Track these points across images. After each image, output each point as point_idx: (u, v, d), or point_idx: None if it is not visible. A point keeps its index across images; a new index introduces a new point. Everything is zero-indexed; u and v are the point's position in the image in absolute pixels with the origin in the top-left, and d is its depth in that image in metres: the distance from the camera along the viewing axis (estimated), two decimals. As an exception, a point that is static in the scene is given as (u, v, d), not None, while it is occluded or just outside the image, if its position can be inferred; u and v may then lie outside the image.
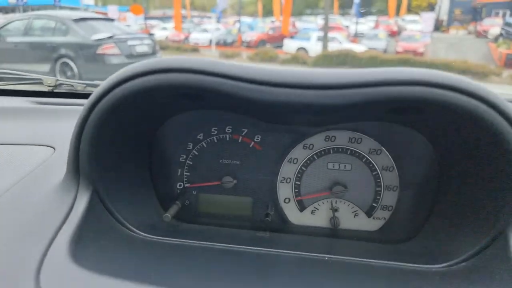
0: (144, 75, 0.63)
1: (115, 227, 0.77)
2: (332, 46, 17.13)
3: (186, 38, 22.95)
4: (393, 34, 23.22)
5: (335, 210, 0.98)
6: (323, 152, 0.96)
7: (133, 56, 8.24)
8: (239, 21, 25.16)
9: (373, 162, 0.94)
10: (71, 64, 7.97)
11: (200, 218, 1.01)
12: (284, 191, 0.99)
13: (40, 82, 1.44)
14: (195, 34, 22.92)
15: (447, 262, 0.73)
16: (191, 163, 1.00)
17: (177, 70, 0.62)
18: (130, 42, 8.41)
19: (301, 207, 0.99)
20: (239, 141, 0.98)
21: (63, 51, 8.29)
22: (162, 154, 0.97)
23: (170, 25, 26.63)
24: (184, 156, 0.99)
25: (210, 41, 20.58)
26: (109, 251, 0.70)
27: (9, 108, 1.25)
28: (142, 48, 8.76)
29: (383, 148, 0.93)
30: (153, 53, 9.11)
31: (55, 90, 1.43)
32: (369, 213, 0.97)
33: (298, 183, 0.98)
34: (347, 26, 25.08)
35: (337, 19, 28.04)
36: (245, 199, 1.00)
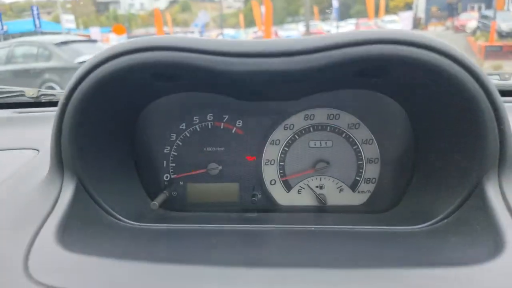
0: (115, 57, 0.65)
1: (102, 216, 0.77)
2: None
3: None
4: (374, 35, 23.51)
5: (320, 187, 1.00)
6: (303, 131, 0.98)
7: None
8: (222, 33, 25.42)
9: (353, 137, 0.97)
10: (57, 88, 7.95)
11: (189, 207, 1.02)
12: (269, 173, 1.01)
13: (22, 94, 1.45)
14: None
15: (429, 222, 0.75)
16: (175, 153, 1.01)
17: (145, 49, 0.64)
18: (114, 62, 8.40)
19: (287, 187, 1.01)
20: (221, 127, 0.99)
21: (47, 76, 8.27)
22: (145, 146, 0.98)
23: (154, 43, 26.58)
24: (168, 148, 1.01)
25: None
26: (97, 237, 0.70)
27: None
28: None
29: (361, 122, 0.96)
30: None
31: (37, 101, 1.44)
32: (354, 187, 0.99)
33: (282, 163, 1.00)
34: (328, 31, 25.51)
35: (318, 24, 28.49)
36: (232, 184, 1.02)
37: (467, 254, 0.60)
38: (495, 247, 0.57)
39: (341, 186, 0.99)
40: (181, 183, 1.02)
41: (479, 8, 26.31)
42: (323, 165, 0.97)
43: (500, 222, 0.60)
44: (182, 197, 1.02)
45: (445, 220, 0.74)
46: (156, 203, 0.89)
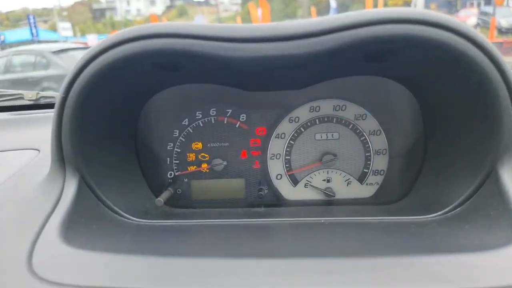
0: (114, 46, 0.62)
1: (106, 213, 0.75)
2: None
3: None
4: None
5: (327, 180, 0.98)
6: (309, 124, 0.96)
7: (116, 81, 8.22)
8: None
9: (360, 128, 0.95)
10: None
11: (194, 204, 1.00)
12: (275, 167, 0.99)
13: (21, 97, 1.43)
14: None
15: (442, 211, 0.73)
16: (179, 150, 0.99)
17: (146, 37, 0.61)
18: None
19: (294, 181, 0.99)
20: (225, 122, 0.98)
21: (45, 84, 8.24)
22: (148, 143, 0.96)
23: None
24: (172, 144, 0.99)
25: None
26: (101, 234, 0.68)
27: None
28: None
29: (368, 113, 0.94)
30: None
31: (36, 104, 1.42)
32: (362, 179, 0.97)
33: (288, 157, 0.98)
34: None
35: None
36: (237, 180, 1.00)
37: (483, 240, 0.58)
38: None
39: (348, 179, 0.97)
40: (185, 180, 1.00)
41: (478, 5, 26.33)
42: (330, 158, 0.95)
43: None
44: (187, 194, 1.00)
45: (458, 209, 0.72)
46: (161, 199, 0.87)
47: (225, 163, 0.98)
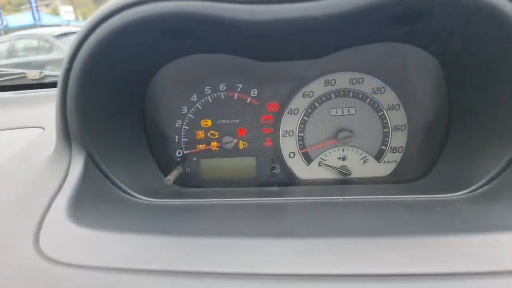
0: (120, 11, 0.57)
1: (114, 192, 0.72)
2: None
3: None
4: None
5: (343, 158, 0.94)
6: (324, 98, 0.92)
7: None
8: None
9: (378, 102, 0.90)
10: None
11: (204, 183, 0.97)
12: (288, 145, 0.95)
13: (24, 76, 1.39)
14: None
15: (468, 189, 0.69)
16: (187, 127, 0.95)
17: None
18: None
19: (307, 160, 0.95)
20: (235, 98, 0.93)
21: (49, 68, 8.19)
22: (156, 120, 0.92)
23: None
24: (180, 121, 0.95)
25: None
26: (110, 212, 0.65)
27: None
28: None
29: (387, 86, 0.89)
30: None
31: (40, 82, 1.38)
32: (379, 157, 0.93)
33: (302, 134, 0.94)
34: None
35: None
36: (248, 158, 0.96)
37: None
38: None
39: (365, 156, 0.93)
40: (194, 158, 0.97)
41: None
42: (346, 135, 0.91)
43: None
44: (196, 173, 0.97)
45: (486, 187, 0.67)
46: (170, 178, 0.84)
47: (235, 140, 0.94)
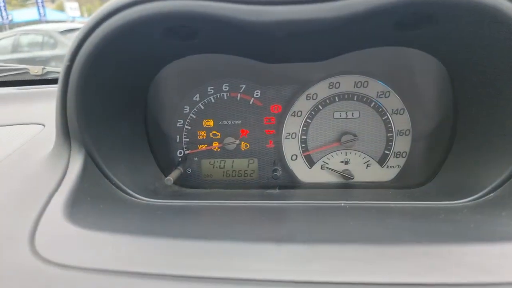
0: (123, 9, 0.56)
1: (113, 192, 0.71)
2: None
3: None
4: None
5: (345, 162, 0.93)
6: (328, 101, 0.90)
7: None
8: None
9: (382, 106, 0.89)
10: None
11: (204, 184, 0.96)
12: (290, 147, 0.94)
13: (26, 72, 1.38)
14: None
15: (473, 196, 0.68)
16: (189, 127, 0.94)
17: None
18: (120, 48, 8.32)
19: (310, 162, 0.94)
20: (238, 98, 0.92)
21: (53, 64, 8.20)
22: (157, 119, 0.92)
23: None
24: (181, 121, 0.94)
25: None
26: (108, 213, 0.64)
27: None
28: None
29: (392, 90, 0.88)
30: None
31: (42, 79, 1.37)
32: (382, 161, 0.92)
33: (305, 137, 0.93)
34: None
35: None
36: (250, 160, 0.95)
37: None
38: None
39: (368, 161, 0.92)
40: (195, 159, 0.96)
41: None
42: (349, 138, 0.90)
43: None
44: (197, 174, 0.96)
45: (491, 195, 0.66)
46: (171, 178, 0.83)
47: (237, 142, 0.93)
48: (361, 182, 0.93)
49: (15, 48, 8.91)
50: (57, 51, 8.22)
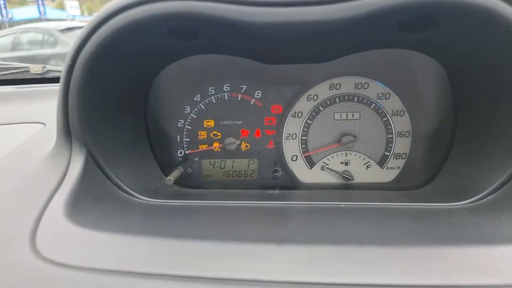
0: (126, 9, 0.56)
1: (113, 191, 0.71)
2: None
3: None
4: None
5: (345, 163, 0.93)
6: (328, 102, 0.91)
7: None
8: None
9: (382, 108, 0.89)
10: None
11: (205, 184, 0.96)
12: (291, 148, 0.94)
13: (27, 70, 1.38)
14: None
15: (473, 198, 0.68)
16: (190, 127, 0.94)
17: None
18: (120, 48, 8.30)
19: (310, 163, 0.94)
20: (239, 99, 0.92)
21: (53, 62, 8.19)
22: (158, 119, 0.92)
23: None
24: (182, 121, 0.94)
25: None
26: (109, 213, 0.64)
27: None
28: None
29: (392, 92, 0.88)
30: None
31: (43, 77, 1.38)
32: (382, 163, 0.92)
33: (305, 138, 0.93)
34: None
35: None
36: (250, 161, 0.95)
37: None
38: None
39: (368, 162, 0.92)
40: (196, 159, 0.96)
41: None
42: (349, 139, 0.90)
43: None
44: (197, 174, 0.96)
45: (490, 197, 0.66)
46: (171, 178, 0.83)
47: (238, 142, 0.94)
48: (361, 183, 0.93)
49: (15, 46, 8.89)
50: (57, 50, 8.20)
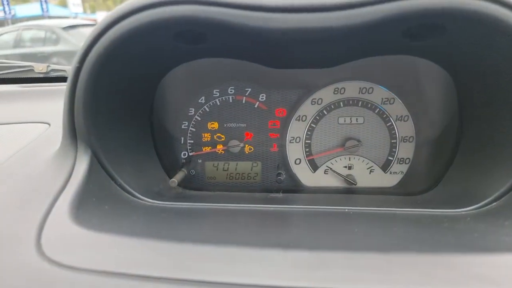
0: (135, 12, 0.57)
1: (118, 193, 0.72)
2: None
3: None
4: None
5: (349, 167, 0.93)
6: (332, 106, 0.91)
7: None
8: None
9: (387, 113, 0.89)
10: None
11: (208, 186, 0.96)
12: (294, 151, 0.94)
13: (31, 69, 1.38)
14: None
15: (477, 204, 0.68)
16: (194, 129, 0.94)
17: (170, 3, 0.55)
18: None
19: (313, 167, 0.94)
20: (243, 102, 0.92)
21: (55, 60, 8.19)
22: (163, 121, 0.92)
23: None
24: (186, 123, 0.94)
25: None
26: (114, 214, 0.64)
27: (1, 91, 1.20)
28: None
29: (396, 97, 0.88)
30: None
31: (47, 76, 1.38)
32: (385, 167, 0.92)
33: (309, 141, 0.93)
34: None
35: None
36: (254, 163, 0.95)
37: None
38: None
39: (371, 166, 0.92)
40: (199, 161, 0.96)
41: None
42: (353, 144, 0.90)
43: None
44: (200, 176, 0.96)
45: (494, 204, 0.66)
46: (175, 180, 0.83)
47: (242, 144, 0.94)
48: (364, 187, 0.93)
49: (17, 43, 8.89)
50: (59, 47, 8.20)
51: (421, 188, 0.87)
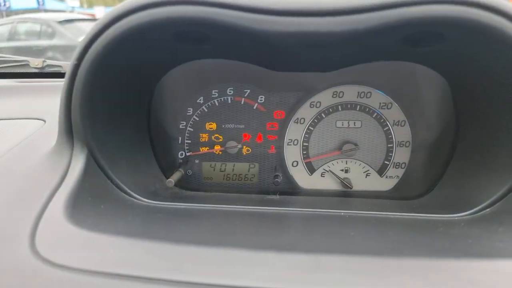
0: (134, 11, 0.56)
1: (114, 192, 0.71)
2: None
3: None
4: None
5: (345, 171, 0.93)
6: (331, 110, 0.91)
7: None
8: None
9: (384, 117, 0.90)
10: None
11: (205, 187, 0.96)
12: (292, 153, 0.94)
13: (27, 64, 1.37)
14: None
15: (470, 210, 0.69)
16: (192, 129, 0.94)
17: (170, 3, 0.55)
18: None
19: (310, 170, 0.94)
20: (242, 103, 0.92)
21: (50, 54, 8.11)
22: (160, 120, 0.91)
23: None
24: (184, 123, 0.94)
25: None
26: (109, 214, 0.64)
27: None
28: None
29: (394, 102, 0.89)
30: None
31: (42, 72, 1.36)
32: (381, 171, 0.92)
33: (306, 144, 0.93)
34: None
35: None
36: (251, 165, 0.95)
37: None
38: None
39: (367, 170, 0.93)
40: (196, 161, 0.96)
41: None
42: (350, 147, 0.90)
43: None
44: (197, 176, 0.96)
45: (488, 209, 0.67)
46: (172, 180, 0.83)
47: (239, 146, 0.94)
48: (360, 191, 0.93)
49: (12, 36, 8.78)
50: (55, 41, 8.11)
51: (416, 193, 0.87)
